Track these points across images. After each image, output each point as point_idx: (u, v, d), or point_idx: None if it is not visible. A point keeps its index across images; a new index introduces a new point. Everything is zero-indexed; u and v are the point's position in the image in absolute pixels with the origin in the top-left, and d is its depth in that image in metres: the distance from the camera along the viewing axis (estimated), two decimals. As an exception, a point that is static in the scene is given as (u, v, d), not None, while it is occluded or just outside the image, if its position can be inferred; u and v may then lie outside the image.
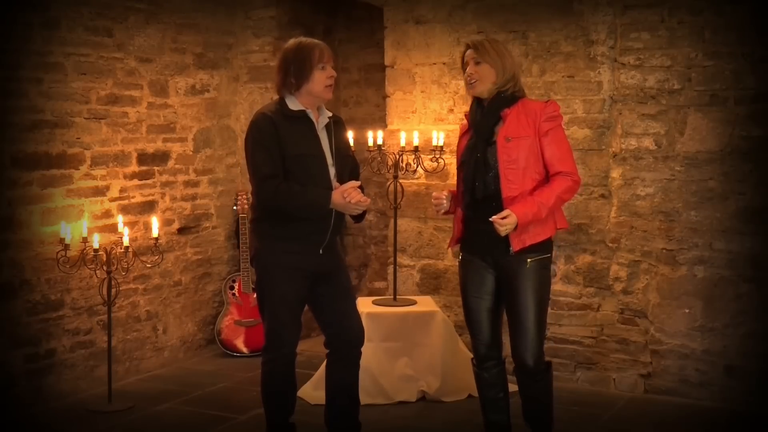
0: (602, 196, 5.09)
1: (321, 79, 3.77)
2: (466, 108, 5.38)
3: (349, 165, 3.95)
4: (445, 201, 3.87)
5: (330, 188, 3.76)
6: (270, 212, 3.83)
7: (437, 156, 5.34)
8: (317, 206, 3.73)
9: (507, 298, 3.79)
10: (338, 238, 4.03)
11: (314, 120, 3.83)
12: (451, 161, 5.47)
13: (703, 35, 4.77)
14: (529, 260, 3.71)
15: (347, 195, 3.68)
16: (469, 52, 3.83)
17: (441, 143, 5.33)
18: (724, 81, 4.73)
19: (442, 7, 5.47)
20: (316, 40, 3.85)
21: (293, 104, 3.81)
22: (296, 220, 3.78)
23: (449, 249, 4.02)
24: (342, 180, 3.81)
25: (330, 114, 3.93)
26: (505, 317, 3.89)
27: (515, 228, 3.62)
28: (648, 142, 4.95)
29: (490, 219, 3.59)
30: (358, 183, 3.76)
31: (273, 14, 6.04)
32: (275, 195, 3.72)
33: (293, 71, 3.77)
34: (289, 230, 3.80)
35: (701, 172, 4.83)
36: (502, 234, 3.62)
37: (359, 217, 3.89)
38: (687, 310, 4.89)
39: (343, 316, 3.96)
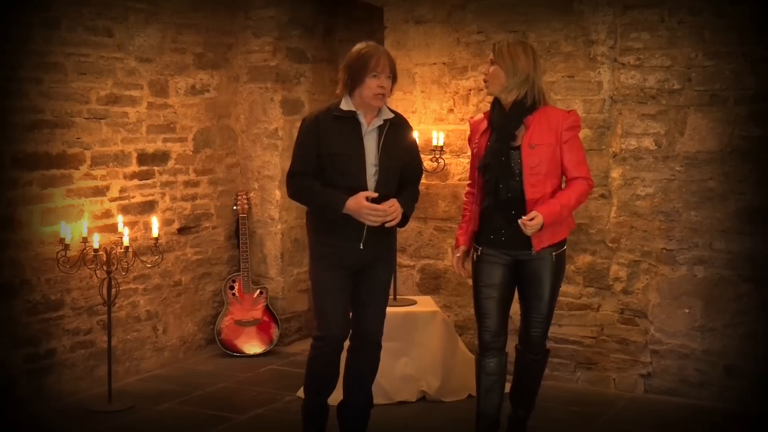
0: (602, 196, 5.09)
1: (371, 86, 3.84)
2: (467, 108, 5.44)
3: (400, 168, 3.96)
4: (466, 264, 4.07)
5: (363, 188, 3.83)
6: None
7: (437, 156, 5.34)
8: (331, 209, 3.83)
9: (525, 287, 4.00)
10: (390, 233, 4.05)
11: (363, 121, 3.90)
12: (450, 161, 5.48)
13: (703, 35, 4.77)
14: (552, 254, 3.91)
15: (364, 205, 3.77)
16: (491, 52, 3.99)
17: (441, 143, 5.33)
18: (724, 81, 4.73)
19: (442, 7, 5.47)
20: (380, 48, 3.93)
21: (347, 104, 3.91)
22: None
23: (460, 245, 4.08)
24: (386, 180, 3.88)
25: (391, 116, 3.97)
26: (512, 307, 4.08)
27: (540, 228, 3.79)
28: (648, 142, 4.95)
29: (519, 221, 3.78)
30: (374, 194, 3.81)
31: (273, 14, 6.03)
32: (297, 191, 3.95)
33: (350, 74, 3.88)
34: (329, 224, 3.90)
35: (701, 172, 4.83)
36: (528, 234, 3.80)
37: (401, 222, 3.93)
38: (687, 310, 4.89)
39: (362, 308, 4.03)
